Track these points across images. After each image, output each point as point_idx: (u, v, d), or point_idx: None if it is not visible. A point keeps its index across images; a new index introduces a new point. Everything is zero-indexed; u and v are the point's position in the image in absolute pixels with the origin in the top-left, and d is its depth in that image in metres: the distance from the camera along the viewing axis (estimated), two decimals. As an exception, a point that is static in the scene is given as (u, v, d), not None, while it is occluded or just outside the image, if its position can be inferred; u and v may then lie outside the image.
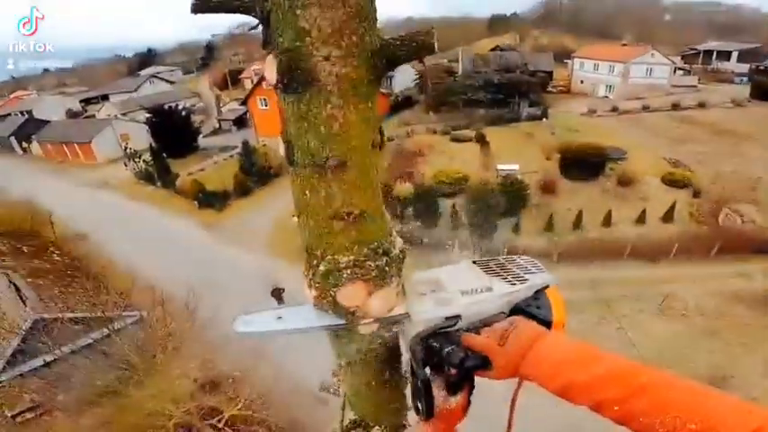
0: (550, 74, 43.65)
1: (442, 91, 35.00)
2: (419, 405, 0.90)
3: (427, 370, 0.88)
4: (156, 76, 60.34)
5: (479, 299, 0.91)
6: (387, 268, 0.89)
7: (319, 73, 0.68)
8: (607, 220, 19.38)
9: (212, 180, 25.38)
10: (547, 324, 0.89)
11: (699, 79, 41.24)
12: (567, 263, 17.53)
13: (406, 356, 1.07)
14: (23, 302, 12.20)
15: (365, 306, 0.89)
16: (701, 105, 33.20)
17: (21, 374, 11.34)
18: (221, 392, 10.40)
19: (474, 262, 1.01)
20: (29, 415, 11.76)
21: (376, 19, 0.72)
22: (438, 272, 0.99)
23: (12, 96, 59.61)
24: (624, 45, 44.00)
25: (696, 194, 21.24)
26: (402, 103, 39.25)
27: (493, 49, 48.50)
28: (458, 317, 0.89)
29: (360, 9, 0.67)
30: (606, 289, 15.97)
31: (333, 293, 0.88)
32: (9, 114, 48.36)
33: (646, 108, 33.65)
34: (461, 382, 0.89)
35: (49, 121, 40.40)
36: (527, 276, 0.96)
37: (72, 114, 49.32)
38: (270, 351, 11.26)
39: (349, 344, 1.00)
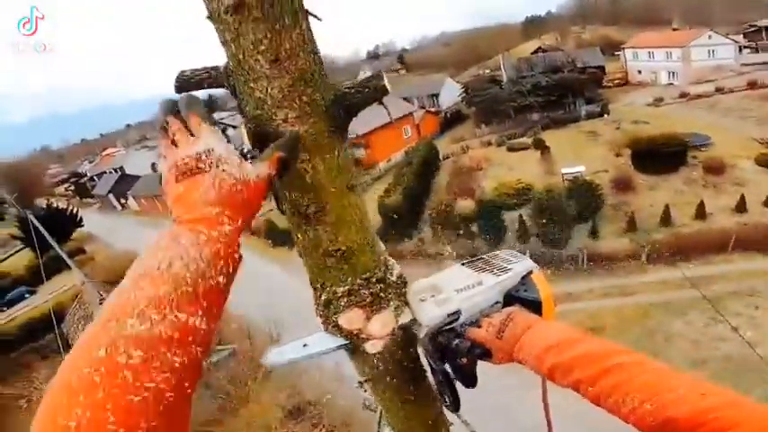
0: (602, 68, 41.71)
1: (490, 101, 34.18)
2: (446, 399, 1.01)
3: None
4: (220, 122, 65.43)
5: (473, 293, 1.00)
6: (382, 294, 0.99)
7: (282, 134, 0.77)
8: (701, 212, 17.54)
9: (282, 218, 26.35)
10: (537, 303, 0.97)
11: (770, 56, 37.25)
12: (659, 263, 16.07)
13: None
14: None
15: (366, 328, 0.99)
16: (782, 81, 29.92)
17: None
18: (306, 419, 10.80)
19: (462, 264, 1.11)
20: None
21: (324, 76, 0.79)
22: (433, 278, 1.07)
23: (104, 154, 67.19)
24: (675, 29, 41.16)
25: (801, 173, 18.72)
26: (452, 120, 39.11)
27: (535, 52, 47.32)
28: (458, 312, 0.97)
29: (303, 73, 0.75)
30: (712, 287, 14.24)
31: (335, 319, 0.99)
32: (104, 172, 54.09)
33: (719, 90, 31.27)
34: (473, 367, 0.95)
35: (139, 177, 44.19)
36: (510, 266, 1.05)
37: (156, 168, 53.94)
38: (348, 375, 11.33)
39: (363, 363, 1.10)
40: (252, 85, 0.75)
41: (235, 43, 0.72)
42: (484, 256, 1.14)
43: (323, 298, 0.99)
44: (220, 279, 0.59)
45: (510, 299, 1.01)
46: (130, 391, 0.44)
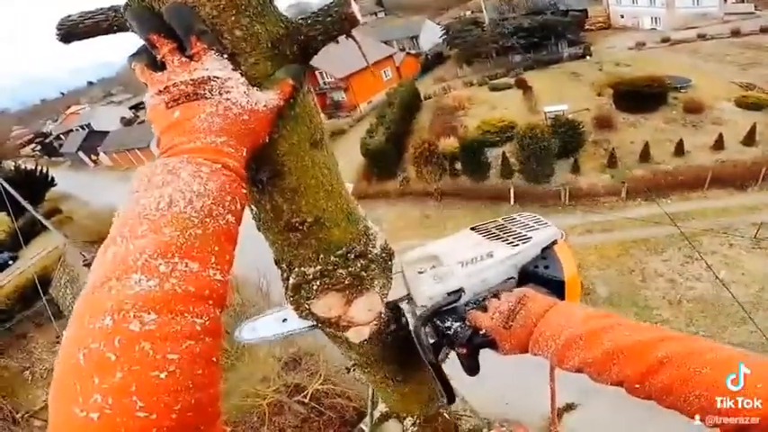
0: (585, 12, 41.15)
1: (472, 43, 33.77)
2: (439, 392, 0.86)
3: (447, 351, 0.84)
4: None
5: (481, 267, 0.84)
6: (364, 273, 0.80)
7: None
8: (679, 149, 17.61)
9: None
10: (559, 283, 0.83)
11: (755, 6, 37.14)
12: (638, 198, 16.21)
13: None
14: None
15: (347, 315, 0.82)
16: (765, 31, 30.05)
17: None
18: (303, 369, 10.78)
19: (472, 228, 0.96)
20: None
21: (269, 3, 0.59)
22: (435, 245, 0.93)
23: (68, 112, 63.09)
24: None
25: (777, 115, 18.93)
26: (433, 61, 38.31)
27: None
28: (460, 290, 0.83)
29: None
30: (688, 223, 14.40)
31: (308, 306, 0.81)
32: (71, 130, 51.63)
33: (702, 37, 31.15)
34: (475, 355, 0.81)
35: (108, 132, 42.89)
36: (530, 234, 0.88)
37: (126, 122, 52.08)
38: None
39: (348, 348, 0.96)
40: None
41: None
42: (499, 220, 0.97)
43: (291, 281, 0.80)
44: (229, 218, 0.50)
45: (526, 274, 0.85)
46: (153, 366, 0.35)
